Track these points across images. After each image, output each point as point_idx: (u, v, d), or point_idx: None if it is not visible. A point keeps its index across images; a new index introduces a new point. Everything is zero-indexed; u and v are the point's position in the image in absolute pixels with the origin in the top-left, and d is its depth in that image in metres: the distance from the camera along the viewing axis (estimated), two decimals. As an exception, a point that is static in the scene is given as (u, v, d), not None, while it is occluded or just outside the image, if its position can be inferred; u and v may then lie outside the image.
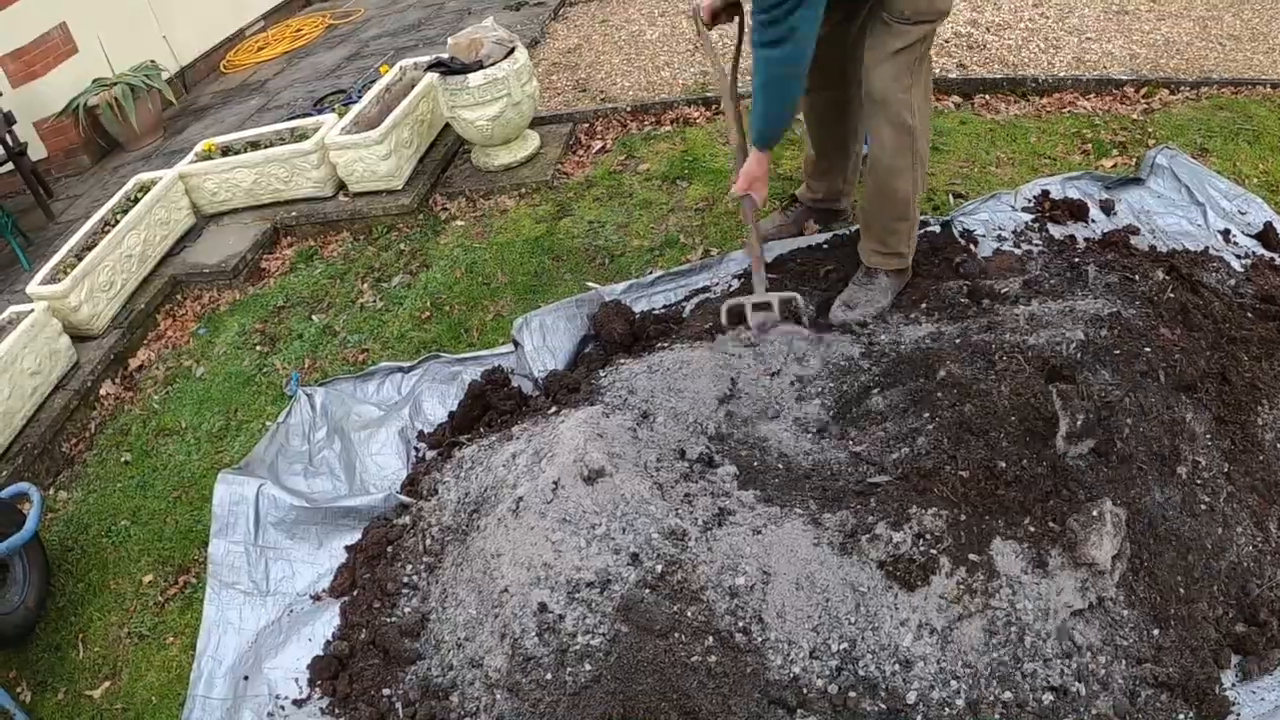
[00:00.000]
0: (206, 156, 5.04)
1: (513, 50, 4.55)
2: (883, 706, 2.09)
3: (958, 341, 2.80)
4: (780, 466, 2.64)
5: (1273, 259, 3.26)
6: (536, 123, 5.01)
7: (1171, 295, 2.79)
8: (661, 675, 2.13)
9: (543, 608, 2.30)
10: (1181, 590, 2.21)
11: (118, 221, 4.55)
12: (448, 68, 4.50)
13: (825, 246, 3.58)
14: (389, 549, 2.83)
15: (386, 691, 2.44)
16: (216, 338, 4.29)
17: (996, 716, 2.05)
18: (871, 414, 2.68)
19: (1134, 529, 2.25)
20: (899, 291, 3.24)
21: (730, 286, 3.54)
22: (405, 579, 2.70)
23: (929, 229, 3.56)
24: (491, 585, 2.46)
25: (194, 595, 3.04)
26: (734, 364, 3.00)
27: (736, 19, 3.17)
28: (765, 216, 3.87)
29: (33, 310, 3.99)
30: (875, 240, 3.18)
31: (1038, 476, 2.32)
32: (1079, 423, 2.37)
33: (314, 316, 4.23)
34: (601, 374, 3.12)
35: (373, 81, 5.59)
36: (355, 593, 2.77)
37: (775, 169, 4.26)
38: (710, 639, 2.19)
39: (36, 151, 6.41)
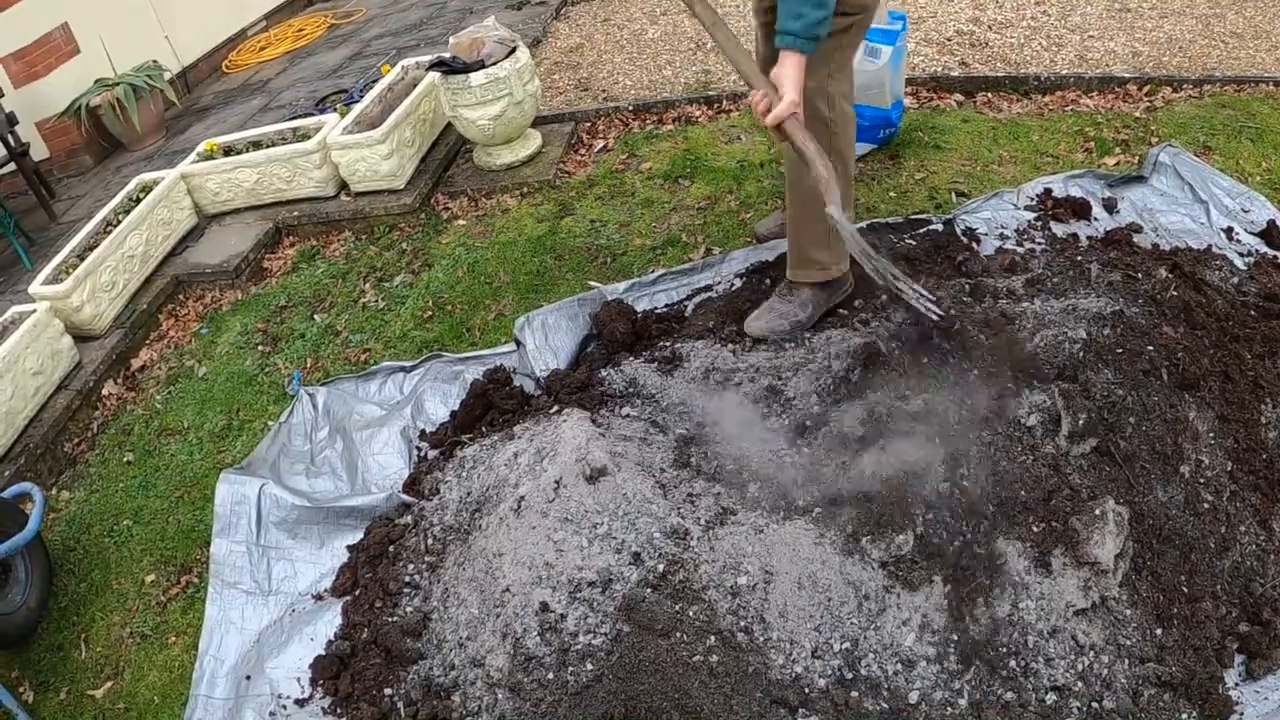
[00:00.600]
0: (208, 156, 5.04)
1: (514, 49, 4.54)
2: (885, 706, 2.08)
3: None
4: (783, 466, 2.64)
5: (1276, 257, 3.25)
6: (538, 122, 5.00)
7: (1174, 293, 2.78)
8: (663, 675, 2.13)
9: (544, 607, 2.30)
10: (1184, 589, 2.21)
11: (120, 222, 4.55)
12: (449, 67, 4.50)
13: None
14: (391, 548, 2.83)
15: (388, 691, 2.44)
16: (219, 337, 4.29)
17: (999, 716, 2.04)
18: (874, 413, 2.68)
19: (1137, 528, 2.25)
20: (832, 304, 3.07)
21: (732, 285, 3.54)
22: (407, 578, 2.70)
23: (931, 227, 3.56)
24: (493, 585, 2.46)
25: (196, 595, 3.04)
26: (740, 363, 2.99)
27: None
28: (767, 215, 3.86)
29: (35, 310, 3.99)
30: (793, 249, 3.04)
31: (1041, 475, 2.31)
32: (1081, 422, 2.36)
33: (316, 316, 4.23)
34: (603, 373, 3.12)
35: (375, 81, 5.60)
36: (357, 592, 2.77)
37: (775, 166, 4.25)
38: (712, 638, 2.19)
39: (39, 152, 6.42)
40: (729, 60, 2.73)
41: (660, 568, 2.31)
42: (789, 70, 2.55)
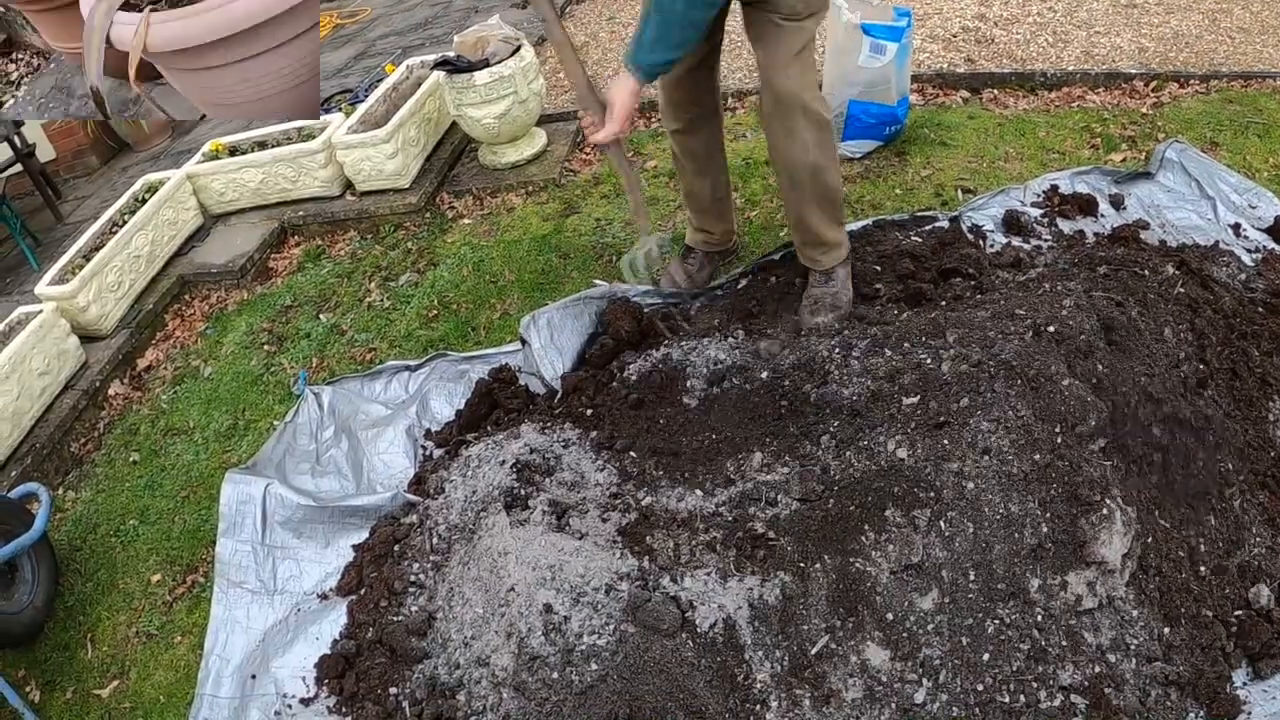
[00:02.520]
0: (214, 156, 5.05)
1: (519, 48, 4.54)
2: (891, 706, 2.08)
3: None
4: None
5: (1284, 253, 3.23)
6: (543, 120, 5.00)
7: (1181, 290, 2.77)
8: (668, 675, 2.12)
9: (548, 608, 2.30)
10: (1192, 588, 2.20)
11: (126, 222, 4.56)
12: (454, 66, 4.50)
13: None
14: (396, 548, 2.83)
15: (393, 690, 2.44)
16: (224, 337, 4.30)
17: (1005, 716, 2.03)
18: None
19: (1143, 527, 2.23)
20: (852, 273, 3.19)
21: (738, 284, 3.53)
22: (412, 578, 2.70)
23: (937, 224, 3.54)
24: (498, 584, 2.45)
25: (202, 594, 3.05)
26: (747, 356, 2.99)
27: None
28: (663, 266, 3.71)
29: (41, 311, 4.01)
30: (813, 243, 3.10)
31: (1048, 475, 2.30)
32: (1090, 421, 2.35)
33: (321, 316, 4.23)
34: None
35: (379, 80, 5.59)
36: (362, 591, 2.77)
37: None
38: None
39: (45, 153, 6.43)
40: (564, 66, 2.86)
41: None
42: (625, 96, 2.68)
